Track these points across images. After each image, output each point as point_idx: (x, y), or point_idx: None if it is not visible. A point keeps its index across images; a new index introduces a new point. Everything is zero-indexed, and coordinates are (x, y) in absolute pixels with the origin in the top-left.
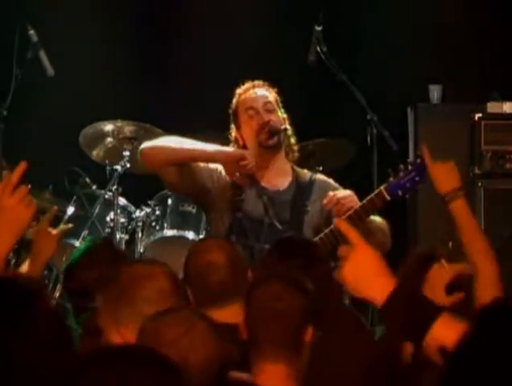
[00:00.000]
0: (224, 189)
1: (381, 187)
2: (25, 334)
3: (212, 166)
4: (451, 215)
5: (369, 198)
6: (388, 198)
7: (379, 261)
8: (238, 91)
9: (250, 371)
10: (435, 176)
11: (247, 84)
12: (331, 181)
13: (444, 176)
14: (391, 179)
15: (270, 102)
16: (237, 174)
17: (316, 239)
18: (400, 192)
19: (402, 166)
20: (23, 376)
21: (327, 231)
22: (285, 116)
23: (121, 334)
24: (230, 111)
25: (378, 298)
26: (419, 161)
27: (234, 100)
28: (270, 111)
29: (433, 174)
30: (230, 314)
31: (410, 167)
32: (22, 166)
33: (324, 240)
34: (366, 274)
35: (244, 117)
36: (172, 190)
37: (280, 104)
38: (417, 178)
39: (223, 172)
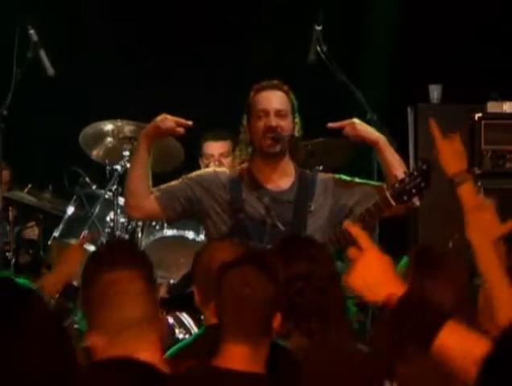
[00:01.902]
0: (219, 193)
1: (387, 193)
2: (21, 335)
3: (196, 178)
4: (460, 198)
5: (374, 202)
6: (393, 203)
7: (388, 266)
8: (257, 86)
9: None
10: (443, 157)
11: (267, 82)
12: (330, 175)
13: (452, 157)
14: (396, 185)
15: (283, 108)
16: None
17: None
18: (405, 198)
19: (407, 171)
20: (19, 377)
21: (337, 229)
22: (297, 120)
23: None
24: (246, 102)
25: (387, 303)
26: (424, 166)
27: (252, 93)
28: (282, 116)
29: (442, 154)
30: None
31: (415, 173)
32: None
33: (333, 239)
34: (376, 279)
35: (255, 116)
36: (172, 221)
37: (296, 108)
38: (422, 184)
39: (215, 178)
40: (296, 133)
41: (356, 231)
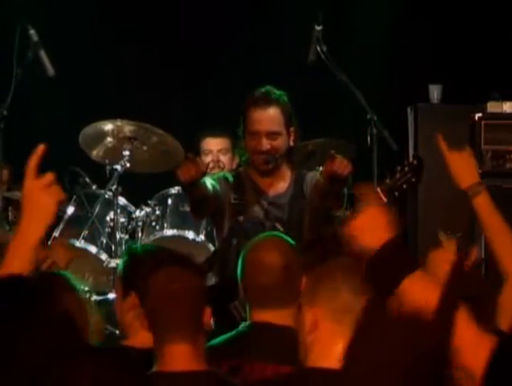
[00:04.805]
0: (226, 194)
1: (378, 189)
2: (33, 334)
3: (217, 178)
4: (475, 210)
5: None
6: (385, 200)
7: (387, 218)
8: (251, 98)
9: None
10: (454, 170)
11: (262, 94)
12: (315, 173)
13: (464, 170)
14: (388, 181)
15: (275, 129)
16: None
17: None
18: (397, 193)
19: (398, 167)
20: (28, 376)
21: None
22: (293, 130)
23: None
24: (241, 109)
25: (373, 249)
26: (415, 162)
27: (246, 105)
28: (274, 136)
29: (452, 167)
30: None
31: (406, 168)
32: (41, 149)
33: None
34: (372, 226)
35: (248, 132)
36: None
37: (292, 118)
38: (413, 180)
39: (226, 181)
40: (292, 143)
41: (364, 189)
